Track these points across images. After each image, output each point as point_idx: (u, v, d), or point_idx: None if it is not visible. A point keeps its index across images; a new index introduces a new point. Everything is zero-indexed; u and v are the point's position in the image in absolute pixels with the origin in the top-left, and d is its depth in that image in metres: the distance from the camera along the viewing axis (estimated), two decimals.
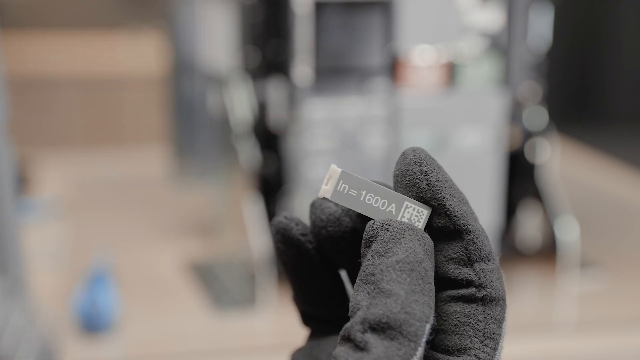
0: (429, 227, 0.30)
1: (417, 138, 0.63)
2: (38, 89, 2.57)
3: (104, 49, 2.69)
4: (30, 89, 2.56)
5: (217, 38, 0.73)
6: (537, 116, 0.74)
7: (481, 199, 0.65)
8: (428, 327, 0.27)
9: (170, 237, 0.84)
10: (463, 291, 0.29)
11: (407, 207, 0.30)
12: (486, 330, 0.29)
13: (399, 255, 0.28)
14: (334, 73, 0.60)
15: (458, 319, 0.28)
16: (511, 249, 0.76)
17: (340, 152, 0.61)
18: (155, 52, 0.84)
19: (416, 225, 0.30)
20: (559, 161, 0.74)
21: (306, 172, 0.61)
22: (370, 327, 0.27)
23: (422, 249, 0.28)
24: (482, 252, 0.29)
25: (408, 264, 0.28)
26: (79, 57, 2.58)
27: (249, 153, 0.68)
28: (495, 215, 0.66)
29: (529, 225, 0.76)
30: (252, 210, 0.68)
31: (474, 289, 0.29)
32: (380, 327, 0.27)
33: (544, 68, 0.74)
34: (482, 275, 0.29)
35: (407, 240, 0.29)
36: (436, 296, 0.29)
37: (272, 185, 0.68)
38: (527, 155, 0.75)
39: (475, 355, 0.28)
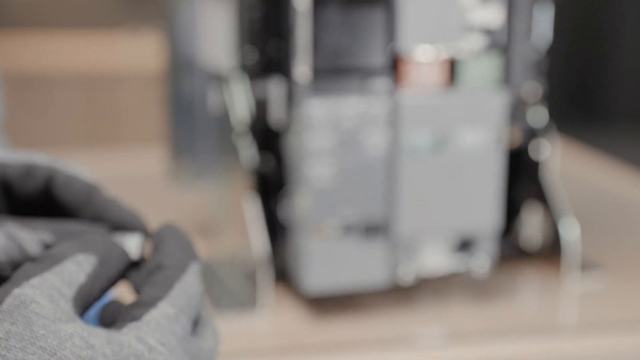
0: None
1: (417, 137, 0.63)
2: (36, 88, 2.57)
3: (102, 48, 2.68)
4: (28, 88, 2.56)
5: (217, 36, 0.73)
6: (538, 115, 0.74)
7: (482, 199, 0.65)
8: None
9: None
10: None
11: None
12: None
13: None
14: (334, 72, 0.60)
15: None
16: (512, 249, 0.76)
17: (340, 152, 0.61)
18: (154, 50, 0.83)
19: None
20: (559, 160, 0.74)
21: (306, 172, 0.61)
22: None
23: None
24: None
25: None
26: (77, 56, 2.58)
27: (249, 152, 0.68)
28: (496, 215, 0.65)
29: (530, 225, 0.76)
30: (252, 210, 0.67)
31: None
32: None
33: (545, 67, 0.73)
34: None
35: None
36: None
37: (271, 185, 0.68)
38: (528, 154, 0.74)
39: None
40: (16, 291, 0.33)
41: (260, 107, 0.68)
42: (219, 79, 0.73)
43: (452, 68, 0.63)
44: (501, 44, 0.64)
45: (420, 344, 0.62)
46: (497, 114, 0.64)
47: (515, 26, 0.64)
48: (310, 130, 0.60)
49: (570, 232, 0.72)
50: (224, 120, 0.72)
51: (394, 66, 0.62)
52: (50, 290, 0.34)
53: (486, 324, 0.65)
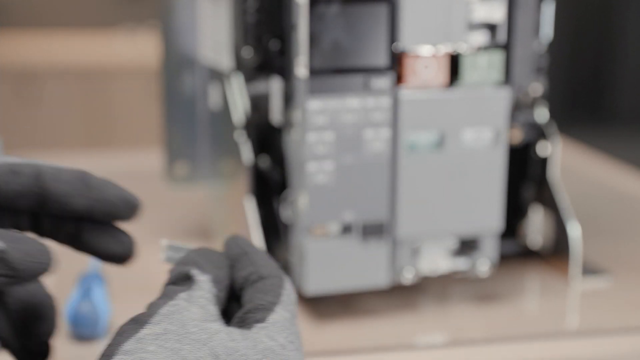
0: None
1: (418, 137, 0.62)
2: (34, 86, 2.56)
3: (101, 47, 2.68)
4: (25, 86, 2.55)
5: (216, 34, 0.72)
6: (540, 114, 0.73)
7: (483, 199, 0.64)
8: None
9: (168, 238, 0.83)
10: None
11: None
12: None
13: None
14: (334, 71, 0.59)
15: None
16: (514, 250, 0.76)
17: (341, 151, 0.60)
18: (153, 49, 0.83)
19: None
20: (560, 160, 0.73)
21: (306, 172, 0.60)
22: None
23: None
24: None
25: None
26: (76, 55, 2.58)
27: (248, 152, 0.67)
28: (497, 215, 0.65)
29: (533, 226, 0.75)
30: (251, 210, 0.67)
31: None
32: None
33: (547, 65, 0.73)
34: None
35: None
36: None
37: (271, 185, 0.68)
38: (530, 153, 0.74)
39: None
40: (171, 302, 0.42)
41: (260, 106, 0.67)
42: (218, 78, 0.73)
43: (454, 67, 0.63)
44: (503, 42, 0.64)
45: (421, 345, 0.62)
46: (498, 113, 0.64)
47: (517, 24, 0.63)
48: (310, 130, 0.60)
49: (573, 232, 0.72)
50: (223, 119, 0.72)
51: (395, 65, 0.61)
52: (198, 300, 0.42)
53: (488, 325, 0.65)
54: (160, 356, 0.39)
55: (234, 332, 0.41)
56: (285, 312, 0.43)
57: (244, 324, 0.43)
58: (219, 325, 0.41)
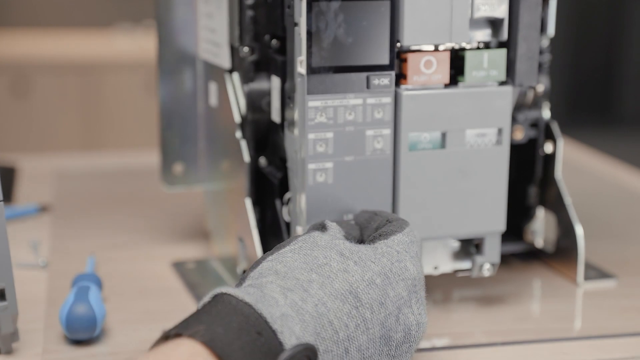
0: None
1: (420, 136, 0.62)
2: (30, 85, 2.55)
3: (100, 46, 2.67)
4: (22, 86, 2.55)
5: (215, 33, 0.72)
6: (542, 113, 0.73)
7: (486, 198, 0.63)
8: None
9: (166, 239, 0.83)
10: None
11: None
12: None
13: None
14: (335, 70, 0.58)
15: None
16: (517, 250, 0.75)
17: (341, 151, 0.60)
18: (152, 47, 0.82)
19: None
20: (562, 160, 0.73)
21: (306, 171, 0.59)
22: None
23: None
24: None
25: None
26: (73, 54, 2.57)
27: (248, 152, 0.67)
28: (500, 215, 0.64)
29: (536, 226, 0.75)
30: (251, 210, 0.66)
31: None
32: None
33: (549, 64, 0.72)
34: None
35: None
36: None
37: (271, 184, 0.67)
38: (532, 153, 0.73)
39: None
40: (307, 234, 0.53)
41: (260, 105, 0.67)
42: (216, 77, 0.72)
43: (456, 65, 0.62)
44: (505, 41, 0.63)
45: (423, 345, 0.61)
46: (501, 111, 0.63)
47: (520, 23, 0.62)
48: (310, 129, 0.59)
49: (578, 234, 0.71)
50: (222, 118, 0.71)
51: (397, 64, 0.61)
52: (329, 233, 0.53)
53: (491, 327, 0.64)
54: (296, 258, 0.49)
55: (356, 245, 0.52)
56: (405, 237, 0.53)
57: (370, 241, 0.53)
58: (343, 242, 0.52)
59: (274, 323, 0.44)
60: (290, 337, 0.44)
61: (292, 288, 0.47)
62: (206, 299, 0.47)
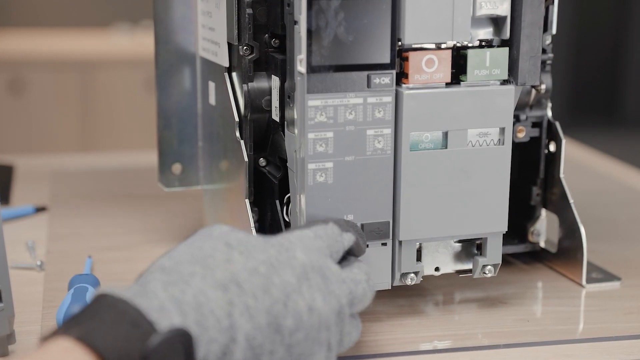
0: None
1: (421, 136, 0.61)
2: (29, 86, 2.55)
3: (98, 46, 2.67)
4: (21, 87, 2.54)
5: (214, 31, 0.71)
6: (545, 112, 0.72)
7: (487, 198, 0.63)
8: None
9: (164, 239, 0.82)
10: None
11: None
12: None
13: None
14: (336, 69, 0.58)
15: None
16: (519, 250, 0.75)
17: (342, 150, 0.59)
18: (150, 46, 0.81)
19: None
20: (564, 160, 0.72)
21: (307, 171, 0.59)
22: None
23: None
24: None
25: None
26: (73, 54, 2.56)
27: (248, 151, 0.66)
28: (502, 215, 0.64)
29: (539, 227, 0.74)
30: (251, 210, 0.66)
31: None
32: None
33: (552, 64, 0.72)
34: None
35: None
36: None
37: (271, 184, 0.67)
38: (535, 153, 0.73)
39: None
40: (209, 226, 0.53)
41: (260, 104, 0.66)
42: (215, 76, 0.72)
43: (458, 63, 0.62)
44: (508, 39, 0.62)
45: (425, 347, 0.61)
46: (503, 110, 0.62)
47: (523, 22, 0.62)
48: (310, 128, 0.58)
49: (581, 235, 0.71)
50: (221, 117, 0.71)
51: (398, 62, 0.60)
52: (229, 226, 0.53)
53: (493, 329, 0.64)
54: (185, 251, 0.50)
55: (252, 236, 0.52)
56: (309, 232, 0.54)
57: None
58: (241, 232, 0.52)
59: (150, 315, 0.44)
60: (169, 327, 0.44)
61: (173, 282, 0.47)
62: (88, 301, 0.47)
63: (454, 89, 0.61)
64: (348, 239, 0.56)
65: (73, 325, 0.43)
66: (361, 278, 0.54)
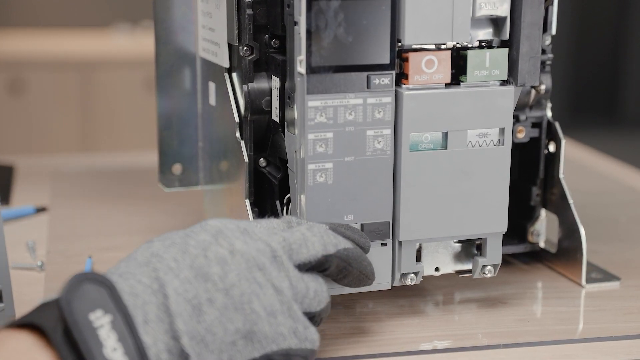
0: None
1: (421, 136, 0.61)
2: (29, 86, 2.55)
3: (98, 46, 2.67)
4: (21, 87, 2.54)
5: (214, 32, 0.71)
6: (545, 112, 0.72)
7: (487, 198, 0.63)
8: None
9: None
10: None
11: None
12: None
13: None
14: (335, 69, 0.58)
15: None
16: (519, 250, 0.75)
17: (342, 151, 0.59)
18: (151, 47, 0.81)
19: None
20: (564, 160, 0.72)
21: (307, 172, 0.59)
22: None
23: None
24: None
25: None
26: (73, 54, 2.56)
27: (247, 152, 0.66)
28: (502, 215, 0.64)
29: (539, 227, 0.74)
30: (251, 210, 0.66)
31: None
32: None
33: (552, 64, 0.72)
34: None
35: None
36: None
37: (270, 186, 0.67)
38: (535, 153, 0.73)
39: None
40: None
41: (260, 105, 0.66)
42: (217, 77, 0.72)
43: (457, 65, 0.62)
44: (507, 40, 0.62)
45: (425, 347, 0.61)
46: (503, 111, 0.62)
47: (523, 22, 0.62)
48: (310, 129, 0.58)
49: (581, 235, 0.71)
50: (221, 118, 0.71)
51: (398, 63, 0.60)
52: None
53: (492, 328, 0.64)
54: (137, 250, 0.52)
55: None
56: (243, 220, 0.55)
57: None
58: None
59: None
60: None
61: (121, 273, 0.49)
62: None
63: (453, 90, 0.61)
64: (311, 224, 0.57)
65: (7, 324, 0.46)
66: (299, 228, 0.55)
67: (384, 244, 0.62)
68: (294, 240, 0.54)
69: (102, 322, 0.45)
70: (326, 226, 0.57)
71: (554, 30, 0.70)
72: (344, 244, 0.56)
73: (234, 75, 0.69)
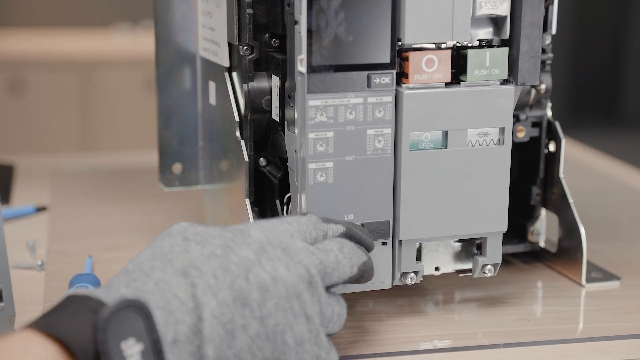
0: None
1: (421, 136, 0.61)
2: (29, 86, 2.55)
3: (98, 46, 2.67)
4: (21, 86, 2.54)
5: (214, 31, 0.71)
6: (545, 112, 0.72)
7: (487, 198, 0.63)
8: None
9: None
10: None
11: None
12: None
13: None
14: (335, 68, 0.58)
15: None
16: (519, 250, 0.74)
17: (342, 150, 0.59)
18: (151, 46, 0.81)
19: None
20: (564, 160, 0.72)
21: (307, 171, 0.59)
22: None
23: None
24: None
25: None
26: (73, 54, 2.56)
27: (247, 152, 0.66)
28: (502, 215, 0.64)
29: (538, 226, 0.74)
30: (251, 210, 0.66)
31: None
32: None
33: (552, 63, 0.72)
34: None
35: None
36: None
37: (270, 185, 0.67)
38: (535, 152, 0.73)
39: None
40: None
41: (260, 104, 0.66)
42: (217, 76, 0.72)
43: (458, 64, 0.62)
44: (508, 39, 0.62)
45: (425, 347, 0.60)
46: (503, 111, 0.62)
47: (523, 22, 0.62)
48: (311, 128, 0.58)
49: (581, 235, 0.71)
50: (222, 117, 0.71)
51: (398, 62, 0.60)
52: (189, 222, 0.56)
53: (492, 327, 0.64)
54: (146, 252, 0.51)
55: (209, 227, 0.53)
56: (275, 219, 0.55)
57: None
58: (201, 225, 0.54)
59: (110, 302, 0.45)
60: None
61: (135, 278, 0.48)
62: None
63: (454, 89, 0.61)
64: (334, 229, 0.56)
65: (36, 320, 0.44)
66: (332, 247, 0.54)
67: (384, 243, 0.62)
68: (329, 264, 0.53)
69: (132, 352, 0.44)
70: (344, 228, 0.57)
71: (554, 30, 0.70)
72: (362, 257, 0.56)
73: (234, 74, 0.69)
